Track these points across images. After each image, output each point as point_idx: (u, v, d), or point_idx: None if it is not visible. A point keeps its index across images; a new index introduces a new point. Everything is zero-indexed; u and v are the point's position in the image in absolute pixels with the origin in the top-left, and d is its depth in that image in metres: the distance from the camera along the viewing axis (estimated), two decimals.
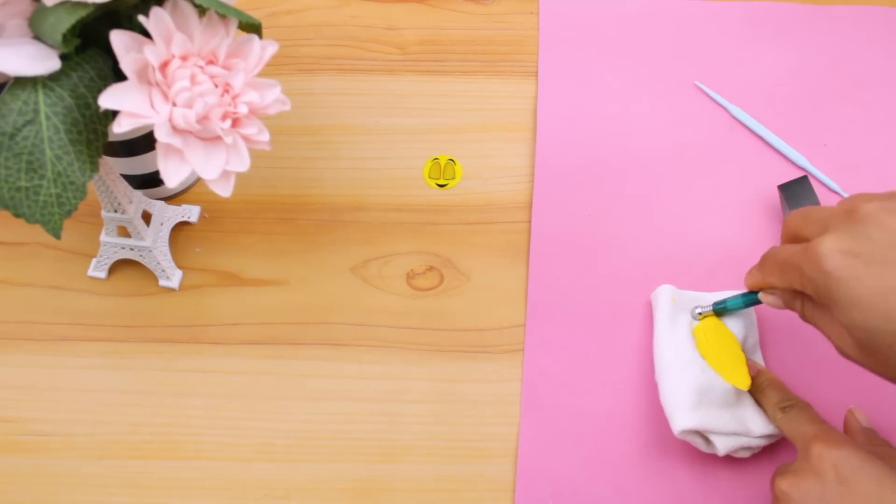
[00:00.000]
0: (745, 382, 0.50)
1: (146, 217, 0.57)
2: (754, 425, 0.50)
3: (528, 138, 0.64)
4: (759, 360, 0.53)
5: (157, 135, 0.41)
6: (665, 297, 0.54)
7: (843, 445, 0.44)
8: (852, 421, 0.49)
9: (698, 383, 0.50)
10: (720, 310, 0.53)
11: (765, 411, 0.50)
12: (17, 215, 0.42)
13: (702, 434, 0.50)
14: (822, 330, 0.45)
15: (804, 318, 0.47)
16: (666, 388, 0.51)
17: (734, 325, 0.53)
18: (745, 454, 0.51)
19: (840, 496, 0.42)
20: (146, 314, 0.57)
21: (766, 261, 0.48)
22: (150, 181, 0.59)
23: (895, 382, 0.42)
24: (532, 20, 0.69)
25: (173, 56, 0.42)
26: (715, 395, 0.50)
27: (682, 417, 0.49)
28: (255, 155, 0.46)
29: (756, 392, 0.51)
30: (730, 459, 0.51)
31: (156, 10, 0.41)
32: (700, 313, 0.53)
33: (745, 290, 0.52)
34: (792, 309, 0.48)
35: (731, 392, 0.51)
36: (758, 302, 0.51)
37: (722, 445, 0.50)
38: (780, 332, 0.55)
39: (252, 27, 0.45)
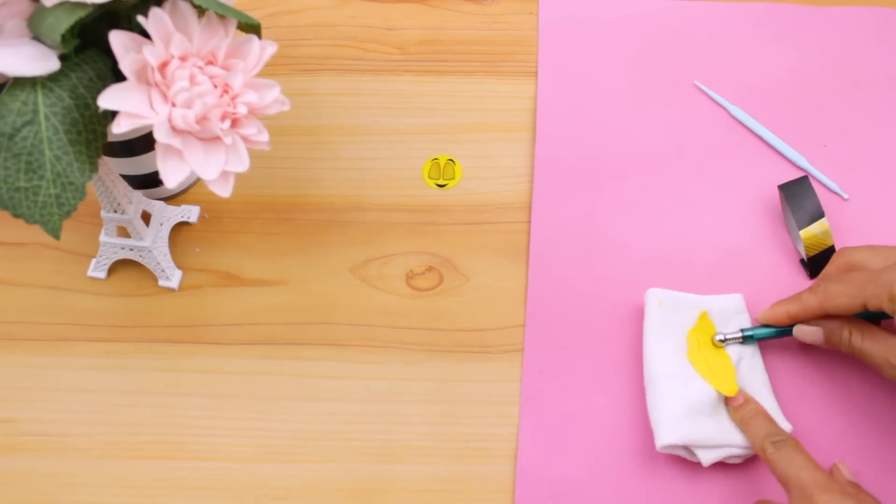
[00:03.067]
0: (732, 389, 0.50)
1: (146, 217, 0.57)
2: (740, 436, 0.50)
3: (527, 138, 0.64)
4: (759, 363, 0.53)
5: (157, 135, 0.41)
6: (652, 302, 0.54)
7: (849, 498, 0.44)
8: (838, 475, 0.49)
9: (682, 397, 0.50)
10: (747, 336, 0.53)
11: (751, 442, 0.49)
12: (16, 216, 0.42)
13: (685, 446, 0.50)
14: (871, 358, 0.48)
15: (850, 348, 0.49)
16: (650, 402, 0.51)
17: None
18: (737, 461, 0.51)
19: None
20: (146, 314, 0.57)
21: (831, 285, 0.49)
22: (149, 181, 0.59)
23: None
24: (532, 20, 0.69)
25: (172, 56, 0.42)
26: (700, 408, 0.50)
27: (664, 434, 0.50)
28: (254, 155, 0.46)
29: (741, 422, 0.50)
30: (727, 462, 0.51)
31: (155, 11, 0.41)
32: (722, 340, 0.52)
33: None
34: (834, 342, 0.50)
35: (717, 403, 0.50)
36: (788, 334, 0.52)
37: (706, 458, 0.50)
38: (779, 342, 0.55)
39: (251, 27, 0.45)
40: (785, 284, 0.57)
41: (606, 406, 0.53)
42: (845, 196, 0.60)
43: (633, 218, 0.60)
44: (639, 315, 0.55)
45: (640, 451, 0.52)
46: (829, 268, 0.52)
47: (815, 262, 0.57)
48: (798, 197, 0.57)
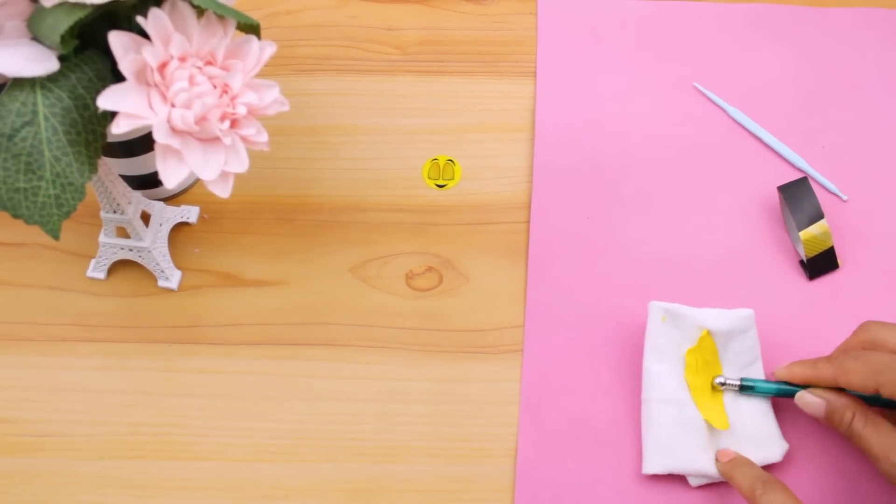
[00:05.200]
0: (723, 423, 0.50)
1: (145, 218, 0.57)
2: None
3: (526, 139, 0.64)
4: (759, 373, 0.52)
5: (156, 136, 0.41)
6: (654, 318, 0.52)
7: None
8: None
9: (674, 425, 0.50)
10: (746, 386, 0.51)
11: (738, 489, 0.47)
12: (15, 216, 0.42)
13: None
14: (869, 448, 0.45)
15: (849, 432, 0.47)
16: (643, 422, 0.51)
17: (733, 354, 0.52)
18: None
19: None
20: (145, 315, 0.57)
21: (848, 361, 0.47)
22: (148, 182, 0.59)
23: None
24: (531, 20, 0.69)
25: (172, 57, 0.42)
26: (690, 439, 0.50)
27: (649, 463, 0.50)
28: (253, 155, 0.46)
29: (726, 474, 0.49)
30: None
31: (154, 11, 0.41)
32: (722, 383, 0.51)
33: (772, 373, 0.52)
34: (834, 421, 0.48)
35: (709, 436, 0.50)
36: (790, 395, 0.50)
37: (694, 482, 0.50)
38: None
39: (250, 28, 0.45)
40: (784, 286, 0.57)
41: (606, 407, 0.53)
42: (844, 197, 0.60)
43: (632, 219, 0.60)
44: (638, 315, 0.55)
45: (640, 453, 0.52)
46: (852, 340, 0.49)
47: (815, 263, 0.57)
48: (797, 198, 0.57)
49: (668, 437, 0.50)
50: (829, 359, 0.48)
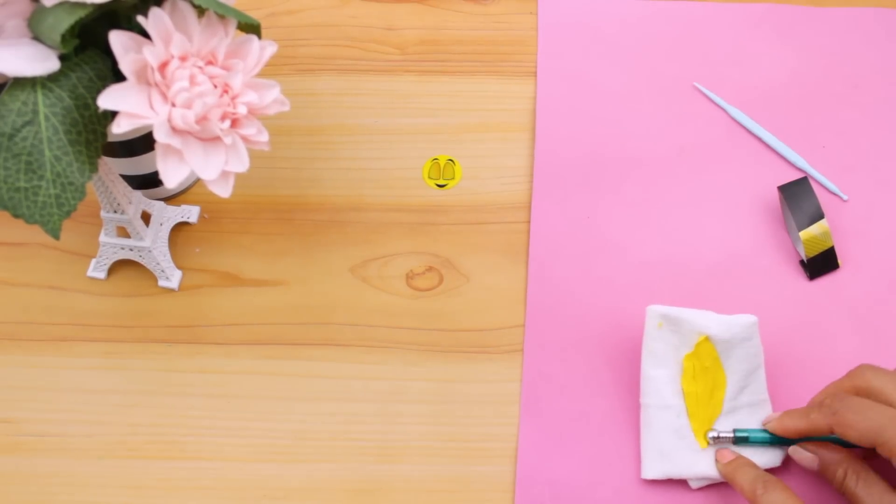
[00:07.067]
0: (703, 441, 0.50)
1: (145, 217, 0.57)
2: None
3: (527, 138, 0.64)
4: (762, 384, 0.51)
5: (156, 135, 0.41)
6: (652, 323, 0.52)
7: None
8: None
9: (672, 430, 0.50)
10: (739, 438, 0.50)
11: (739, 490, 0.47)
12: (16, 216, 0.42)
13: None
14: None
15: (842, 489, 0.46)
16: (642, 427, 0.51)
17: (736, 361, 0.51)
18: None
19: None
20: (145, 314, 0.57)
21: (844, 411, 0.45)
22: (149, 181, 0.59)
23: None
24: (531, 20, 0.69)
25: (172, 56, 0.42)
26: (688, 442, 0.50)
27: (647, 468, 0.50)
28: (254, 155, 0.46)
29: (727, 475, 0.48)
30: None
31: (154, 11, 0.41)
32: (715, 437, 0.50)
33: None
34: (827, 476, 0.47)
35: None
36: (785, 443, 0.49)
37: (694, 484, 0.50)
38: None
39: (251, 27, 0.45)
40: (785, 286, 0.57)
41: (606, 407, 0.53)
42: (844, 197, 0.60)
43: (633, 219, 0.60)
44: (638, 315, 0.55)
45: (640, 453, 0.52)
46: (845, 383, 0.48)
47: (815, 263, 0.57)
48: (797, 198, 0.57)
49: (666, 442, 0.50)
50: (821, 407, 0.47)
